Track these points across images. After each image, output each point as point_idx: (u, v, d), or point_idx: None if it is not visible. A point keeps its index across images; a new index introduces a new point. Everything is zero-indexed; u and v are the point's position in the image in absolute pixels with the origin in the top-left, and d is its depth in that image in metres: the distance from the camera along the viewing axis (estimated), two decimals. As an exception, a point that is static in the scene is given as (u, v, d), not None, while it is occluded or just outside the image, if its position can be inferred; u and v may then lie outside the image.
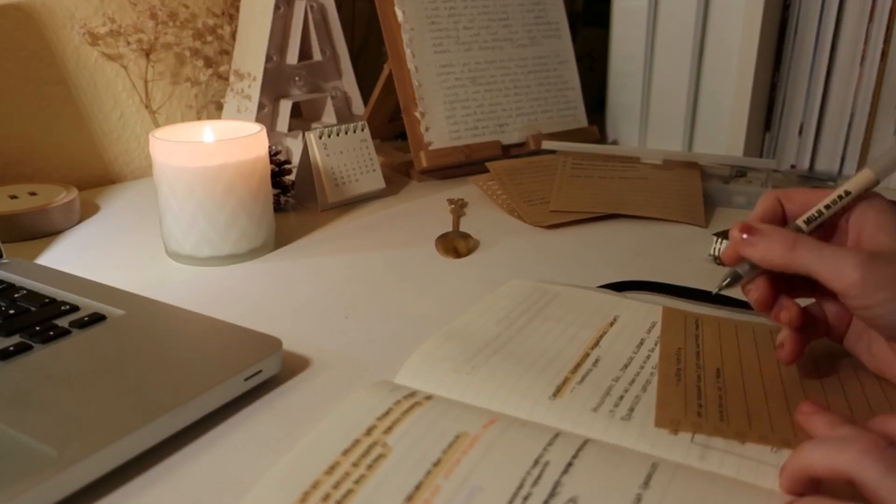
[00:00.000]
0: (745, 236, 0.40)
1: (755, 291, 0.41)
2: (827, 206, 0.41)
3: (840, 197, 0.41)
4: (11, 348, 0.43)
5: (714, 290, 0.43)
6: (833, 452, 0.31)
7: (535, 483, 0.33)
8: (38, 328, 0.45)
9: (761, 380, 0.42)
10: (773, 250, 0.39)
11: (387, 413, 0.38)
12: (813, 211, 0.41)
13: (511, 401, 0.40)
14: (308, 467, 0.34)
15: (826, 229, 0.42)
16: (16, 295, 0.50)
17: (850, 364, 0.43)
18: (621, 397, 0.40)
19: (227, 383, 0.41)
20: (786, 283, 0.41)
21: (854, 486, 0.30)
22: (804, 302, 0.42)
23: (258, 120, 0.85)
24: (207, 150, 0.59)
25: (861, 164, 0.83)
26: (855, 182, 0.41)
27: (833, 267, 0.38)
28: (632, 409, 0.39)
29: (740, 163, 0.82)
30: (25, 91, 0.80)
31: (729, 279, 0.42)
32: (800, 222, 0.41)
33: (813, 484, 0.32)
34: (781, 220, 0.43)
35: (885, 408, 0.39)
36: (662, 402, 0.39)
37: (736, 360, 0.44)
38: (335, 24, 0.90)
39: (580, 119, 0.95)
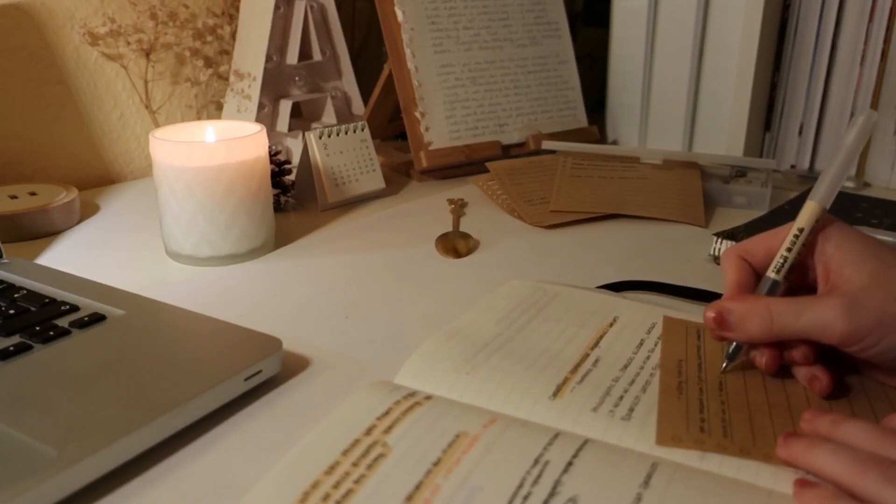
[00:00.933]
0: (719, 325, 0.40)
1: (761, 357, 0.41)
2: (788, 249, 0.41)
3: (795, 237, 0.41)
4: (11, 348, 0.43)
5: (721, 370, 0.42)
6: (842, 465, 0.31)
7: (535, 482, 0.33)
8: (38, 328, 0.45)
9: (765, 393, 0.41)
10: (753, 331, 0.39)
11: (387, 413, 0.38)
12: (778, 258, 0.42)
13: (511, 401, 0.40)
14: (308, 467, 0.34)
15: (797, 268, 0.42)
16: (16, 295, 0.50)
17: (857, 376, 0.42)
18: (621, 397, 0.40)
19: (227, 383, 0.41)
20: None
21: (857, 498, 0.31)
22: None
23: (258, 120, 0.85)
24: (207, 150, 0.59)
25: (861, 165, 0.83)
26: (803, 218, 0.41)
27: (817, 327, 0.38)
28: (631, 409, 0.39)
29: (740, 163, 0.82)
30: (25, 91, 0.80)
31: (731, 353, 0.42)
32: (771, 274, 0.42)
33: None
34: (753, 278, 0.43)
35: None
36: (663, 418, 0.38)
37: (739, 374, 0.43)
38: (335, 24, 0.90)
39: (580, 119, 0.95)
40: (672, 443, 0.36)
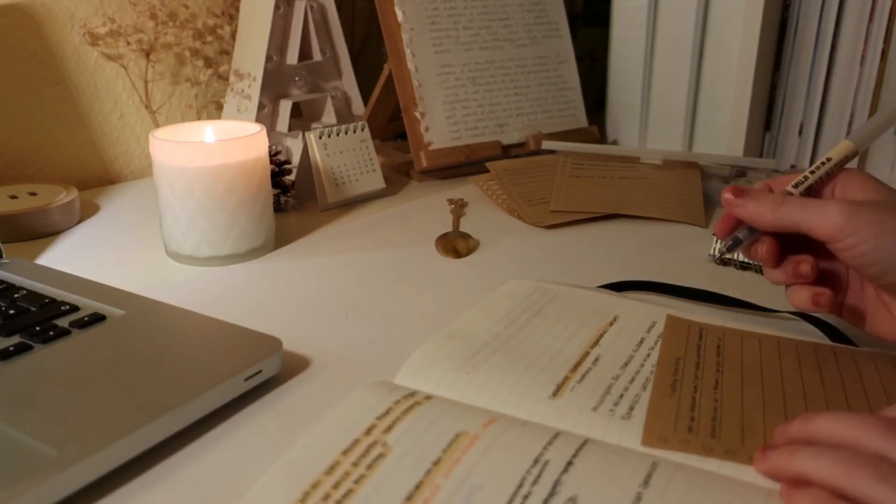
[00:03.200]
0: (735, 198, 0.44)
1: (762, 247, 0.44)
2: (812, 171, 0.44)
3: (822, 163, 0.44)
4: (11, 348, 0.43)
5: (717, 255, 0.45)
6: (828, 466, 0.30)
7: (535, 482, 0.33)
8: (38, 328, 0.45)
9: (762, 391, 0.40)
10: (761, 208, 0.43)
11: (386, 412, 0.38)
12: (800, 177, 0.44)
13: (511, 400, 0.40)
14: (308, 467, 0.34)
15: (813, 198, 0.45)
16: (16, 295, 0.50)
17: (857, 376, 0.42)
18: (621, 396, 0.40)
19: (227, 383, 0.41)
20: (786, 245, 0.44)
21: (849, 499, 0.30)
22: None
23: (258, 120, 0.85)
24: (207, 150, 0.59)
25: (861, 165, 0.83)
26: (836, 150, 0.45)
27: (817, 216, 0.41)
28: (632, 409, 0.39)
29: (740, 163, 0.82)
30: (25, 91, 0.80)
31: (730, 243, 0.45)
32: (788, 188, 0.44)
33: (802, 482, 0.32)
34: None
35: None
36: (652, 417, 0.38)
37: (737, 369, 0.43)
38: (335, 24, 0.90)
39: (580, 119, 0.95)
40: (658, 443, 0.36)
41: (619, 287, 0.56)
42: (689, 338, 0.47)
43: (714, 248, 0.62)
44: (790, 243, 0.44)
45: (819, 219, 0.41)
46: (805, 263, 0.43)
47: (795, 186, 0.44)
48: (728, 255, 0.44)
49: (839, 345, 0.47)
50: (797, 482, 0.32)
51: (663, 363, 0.44)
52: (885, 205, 0.41)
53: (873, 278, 0.41)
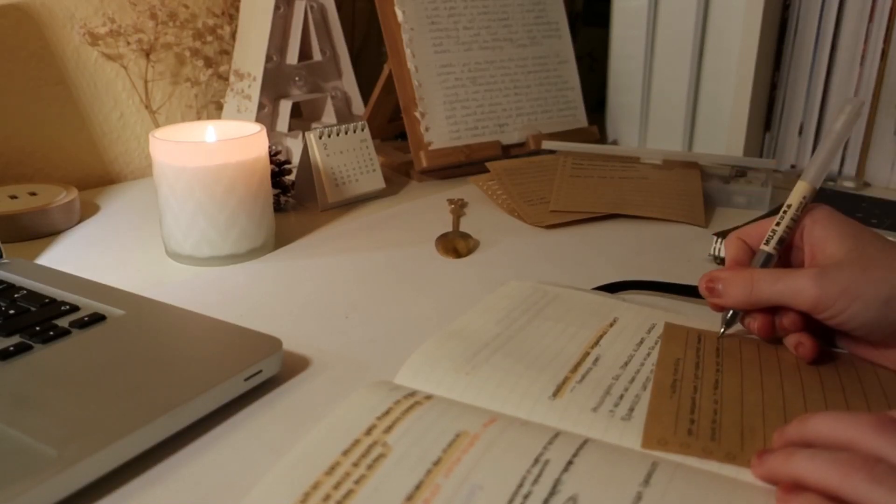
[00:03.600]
0: (710, 294, 0.45)
1: (754, 322, 0.45)
2: (777, 223, 0.46)
3: (784, 211, 0.46)
4: (11, 348, 0.43)
5: (718, 335, 0.47)
6: (823, 469, 0.30)
7: (536, 482, 0.33)
8: (38, 328, 0.45)
9: (761, 392, 0.40)
10: (736, 296, 0.44)
11: (387, 413, 0.38)
12: (769, 232, 0.46)
13: (511, 400, 0.40)
14: (308, 467, 0.34)
15: (786, 249, 0.47)
16: (16, 295, 0.50)
17: (856, 378, 0.42)
18: (621, 396, 0.40)
19: (227, 383, 0.41)
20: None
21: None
22: None
23: (258, 120, 0.85)
24: (207, 150, 0.59)
25: (861, 164, 0.83)
26: (793, 195, 0.46)
27: (791, 292, 0.42)
28: (632, 409, 0.39)
29: (740, 163, 0.82)
30: (25, 91, 0.80)
31: (728, 320, 0.46)
32: (762, 247, 0.46)
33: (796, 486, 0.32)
34: (749, 256, 0.47)
35: None
36: (652, 419, 0.38)
37: (737, 371, 0.43)
38: (335, 24, 0.90)
39: (580, 119, 0.95)
40: (657, 446, 0.36)
41: (618, 287, 0.56)
42: (687, 341, 0.46)
43: (714, 248, 0.62)
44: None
45: (794, 296, 0.42)
46: (786, 319, 0.44)
47: (766, 243, 0.46)
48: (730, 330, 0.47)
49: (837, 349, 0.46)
50: (792, 487, 0.31)
51: (663, 364, 0.43)
52: (852, 263, 0.41)
53: (862, 337, 0.42)
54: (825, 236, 0.44)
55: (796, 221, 0.46)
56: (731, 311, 0.46)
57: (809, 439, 0.33)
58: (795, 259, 0.47)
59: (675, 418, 0.38)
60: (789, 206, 0.46)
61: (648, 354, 0.45)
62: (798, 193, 0.46)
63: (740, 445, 0.36)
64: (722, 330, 0.46)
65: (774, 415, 0.39)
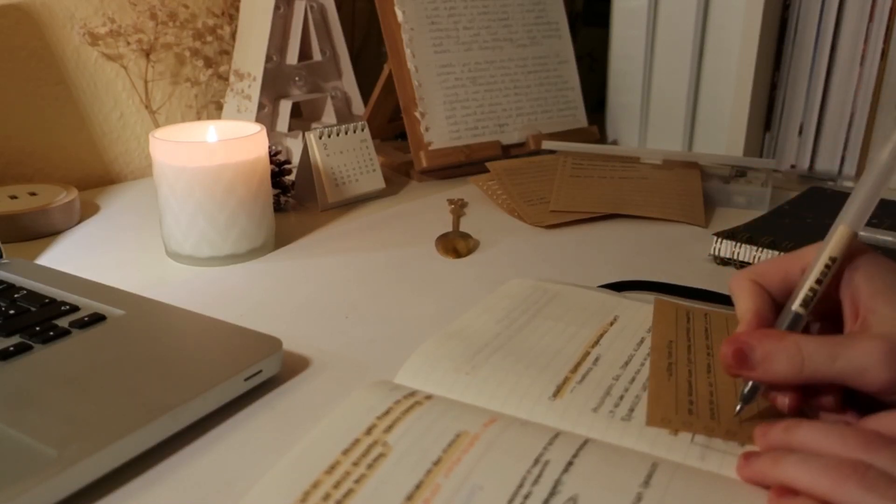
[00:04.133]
0: (738, 363, 0.35)
1: (783, 399, 0.36)
2: (818, 281, 0.36)
3: (827, 266, 0.37)
4: (11, 348, 0.43)
5: (735, 414, 0.38)
6: (814, 475, 0.30)
7: (536, 482, 0.33)
8: (38, 328, 0.45)
9: None
10: (780, 371, 0.35)
11: (387, 412, 0.38)
12: (806, 291, 0.36)
13: (511, 400, 0.40)
14: (308, 467, 0.34)
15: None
16: (16, 295, 0.50)
17: None
18: (621, 397, 0.40)
19: (227, 383, 0.41)
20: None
21: None
22: None
23: (258, 120, 0.85)
24: (207, 150, 0.59)
25: (861, 164, 0.83)
26: (835, 245, 0.37)
27: (855, 372, 0.33)
28: (632, 410, 0.39)
29: (740, 163, 0.82)
30: (25, 91, 0.80)
31: (747, 395, 0.37)
32: (797, 308, 0.37)
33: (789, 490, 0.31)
34: (771, 307, 0.38)
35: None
36: (654, 399, 0.39)
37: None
38: (335, 24, 0.90)
39: (580, 119, 0.95)
40: (662, 424, 0.37)
41: (619, 287, 0.56)
42: (677, 320, 0.48)
43: (714, 248, 0.62)
44: None
45: (858, 377, 0.33)
46: (827, 399, 0.35)
47: (805, 306, 0.36)
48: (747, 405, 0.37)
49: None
50: (785, 490, 0.31)
51: (657, 347, 0.44)
52: None
53: None
54: (872, 290, 0.35)
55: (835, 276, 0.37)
56: (751, 384, 0.36)
57: (794, 447, 0.33)
58: (825, 308, 0.37)
59: (674, 399, 0.39)
60: (833, 261, 0.36)
61: (648, 355, 0.45)
62: (842, 242, 0.36)
63: (738, 423, 0.37)
64: (738, 407, 0.37)
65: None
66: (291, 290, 0.58)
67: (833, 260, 0.36)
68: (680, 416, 0.38)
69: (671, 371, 0.42)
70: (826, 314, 0.38)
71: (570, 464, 0.34)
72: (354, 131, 0.77)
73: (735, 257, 0.61)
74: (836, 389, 0.35)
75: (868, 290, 0.36)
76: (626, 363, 0.44)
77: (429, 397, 0.40)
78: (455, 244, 0.65)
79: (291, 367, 0.46)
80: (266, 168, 0.63)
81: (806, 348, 0.34)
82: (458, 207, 0.75)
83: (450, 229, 0.69)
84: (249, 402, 0.42)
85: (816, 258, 0.37)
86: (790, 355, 0.34)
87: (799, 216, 0.68)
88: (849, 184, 0.82)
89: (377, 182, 0.79)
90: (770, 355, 0.35)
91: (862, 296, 0.36)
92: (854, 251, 0.37)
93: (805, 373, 0.34)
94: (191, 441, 0.39)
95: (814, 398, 0.36)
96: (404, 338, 0.50)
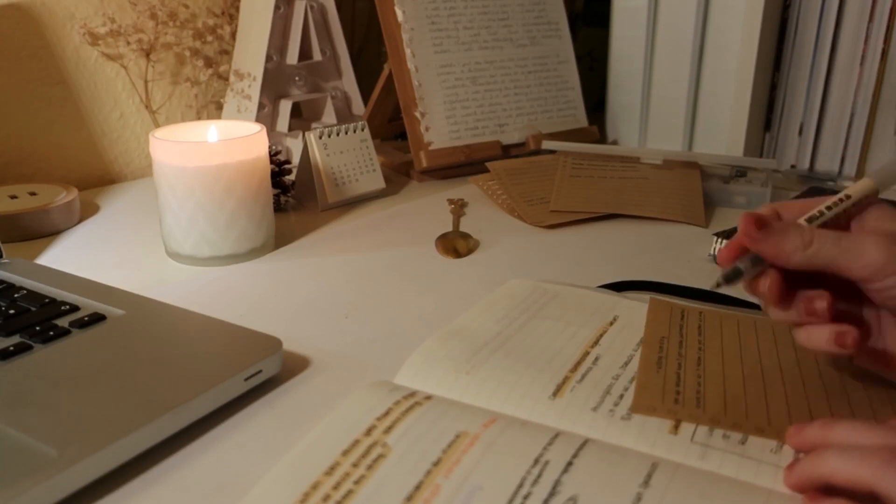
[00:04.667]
0: (757, 231, 0.37)
1: (766, 285, 0.38)
2: (828, 207, 0.39)
3: (841, 200, 0.39)
4: (11, 348, 0.43)
5: (711, 286, 0.39)
6: (856, 463, 0.30)
7: (536, 482, 0.33)
8: (38, 328, 0.45)
9: (741, 368, 0.42)
10: (788, 245, 0.37)
11: (386, 413, 0.38)
12: (814, 211, 0.39)
13: (511, 400, 0.40)
14: (308, 468, 0.34)
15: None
16: (16, 295, 0.50)
17: (861, 382, 0.42)
18: (621, 396, 0.40)
19: (228, 383, 0.41)
20: (789, 279, 0.38)
21: (875, 497, 0.29)
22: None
23: (258, 120, 0.85)
24: (207, 150, 0.59)
25: (861, 164, 0.83)
26: (855, 188, 0.39)
27: (854, 253, 0.36)
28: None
29: (740, 163, 0.82)
30: (25, 91, 0.80)
31: (729, 274, 0.38)
32: (801, 221, 0.39)
33: (825, 488, 0.32)
34: None
35: (863, 398, 0.40)
36: (641, 388, 0.40)
37: (718, 349, 0.45)
38: (335, 24, 0.90)
39: (580, 119, 0.95)
40: (647, 411, 0.38)
41: (619, 287, 0.56)
42: (671, 318, 0.48)
43: (714, 248, 0.62)
44: (792, 276, 0.38)
45: (856, 258, 0.36)
46: (821, 300, 0.37)
47: (809, 221, 0.39)
48: (722, 287, 0.39)
49: None
50: (817, 496, 0.32)
51: (648, 342, 0.45)
52: None
53: None
54: (880, 216, 0.38)
55: (846, 214, 0.39)
56: (734, 267, 0.38)
57: (832, 444, 0.33)
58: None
59: (661, 390, 0.40)
60: (847, 197, 0.39)
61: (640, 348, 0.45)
62: (861, 188, 0.39)
63: (723, 411, 0.38)
64: (717, 283, 0.39)
65: (754, 386, 0.40)
66: (291, 290, 0.58)
67: (847, 196, 0.39)
68: (666, 404, 0.39)
69: (661, 364, 0.43)
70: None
71: (569, 464, 0.34)
72: (354, 131, 0.77)
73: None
74: (828, 295, 0.37)
75: (876, 216, 0.39)
76: (626, 363, 0.44)
77: (428, 397, 0.40)
78: (455, 244, 0.65)
79: (291, 367, 0.46)
80: (266, 168, 0.63)
81: (816, 230, 0.37)
82: (458, 207, 0.75)
83: (450, 229, 0.69)
84: (249, 402, 0.42)
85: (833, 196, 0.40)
86: (803, 233, 0.37)
87: (799, 216, 0.68)
88: (849, 184, 0.82)
89: (377, 182, 0.79)
90: (786, 229, 0.37)
91: (869, 223, 0.39)
92: (871, 202, 0.39)
93: (811, 248, 0.37)
94: (191, 441, 0.39)
95: (807, 303, 0.37)
96: (404, 338, 0.50)
